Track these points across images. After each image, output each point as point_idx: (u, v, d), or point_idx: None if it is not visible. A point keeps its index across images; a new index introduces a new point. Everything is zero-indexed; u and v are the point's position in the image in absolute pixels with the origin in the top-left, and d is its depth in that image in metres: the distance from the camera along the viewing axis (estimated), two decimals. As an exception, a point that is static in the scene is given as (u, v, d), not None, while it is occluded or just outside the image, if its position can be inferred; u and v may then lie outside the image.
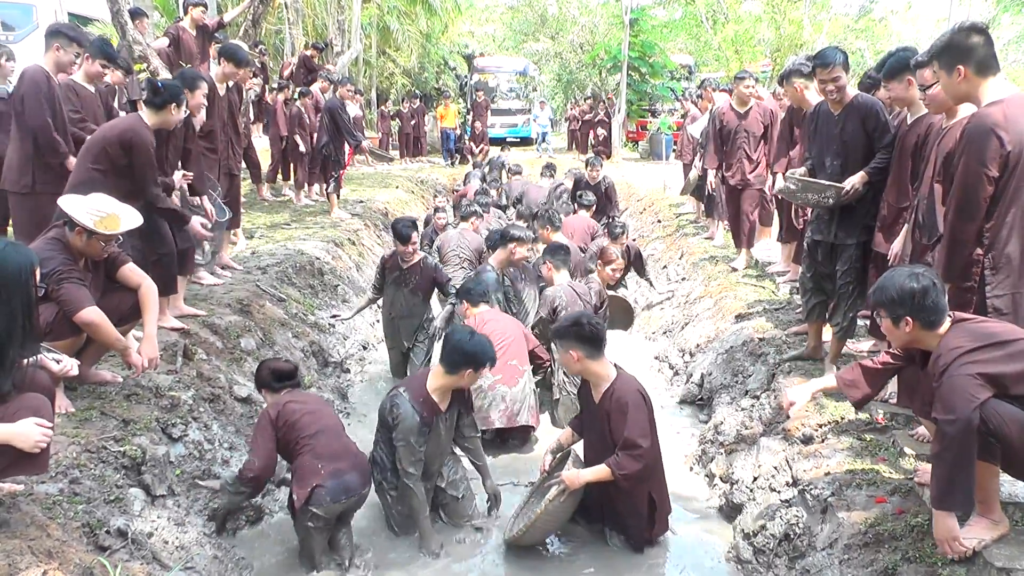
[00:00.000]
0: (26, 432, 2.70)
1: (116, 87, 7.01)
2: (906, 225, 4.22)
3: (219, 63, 6.67)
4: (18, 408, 2.79)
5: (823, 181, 4.73)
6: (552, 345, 5.44)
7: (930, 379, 2.88)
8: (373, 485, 4.10)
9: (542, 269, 6.28)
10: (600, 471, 3.89)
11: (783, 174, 5.67)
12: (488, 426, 5.12)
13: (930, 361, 2.90)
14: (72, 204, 3.71)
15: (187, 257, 5.32)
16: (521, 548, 4.13)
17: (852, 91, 4.73)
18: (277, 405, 3.97)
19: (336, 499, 3.76)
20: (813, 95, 5.55)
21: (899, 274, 2.99)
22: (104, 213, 3.75)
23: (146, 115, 4.71)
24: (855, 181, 4.55)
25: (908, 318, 2.92)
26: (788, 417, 3.64)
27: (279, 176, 11.99)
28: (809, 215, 5.43)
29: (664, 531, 4.18)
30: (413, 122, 20.35)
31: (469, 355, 4.00)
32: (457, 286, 6.32)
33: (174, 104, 4.72)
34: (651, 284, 8.91)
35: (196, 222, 5.20)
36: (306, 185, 11.33)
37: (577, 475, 3.93)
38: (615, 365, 4.13)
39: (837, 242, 4.76)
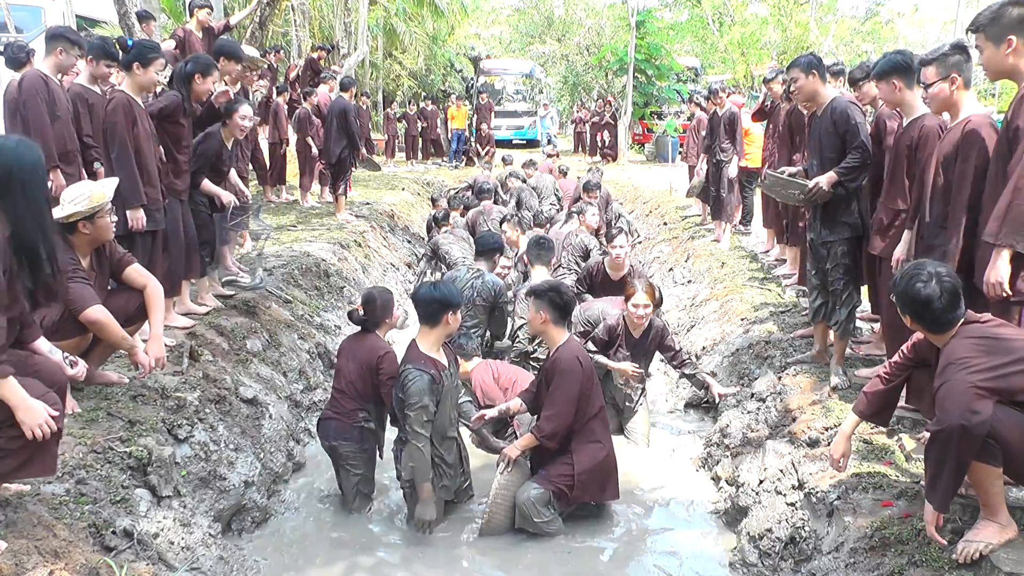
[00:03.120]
0: (36, 409, 2.61)
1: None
2: (906, 229, 4.20)
3: (219, 62, 6.67)
4: (37, 369, 2.78)
5: (791, 178, 4.92)
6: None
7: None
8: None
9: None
10: (528, 438, 4.33)
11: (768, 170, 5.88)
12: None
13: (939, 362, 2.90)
14: (57, 210, 3.66)
15: (192, 260, 5.36)
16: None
17: (833, 93, 4.81)
18: None
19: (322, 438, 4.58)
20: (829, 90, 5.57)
21: (913, 274, 2.98)
22: (86, 193, 3.76)
23: (125, 82, 4.83)
24: (821, 180, 4.63)
25: (910, 319, 3.01)
26: (842, 469, 3.64)
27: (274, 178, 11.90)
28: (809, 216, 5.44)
29: (604, 498, 4.44)
30: (426, 124, 20.36)
31: (441, 300, 4.22)
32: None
33: (137, 63, 4.74)
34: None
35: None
36: (322, 187, 11.32)
37: (513, 446, 4.39)
38: (574, 338, 4.54)
39: (821, 240, 4.82)
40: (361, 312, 4.58)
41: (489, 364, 5.50)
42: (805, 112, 5.75)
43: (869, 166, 4.62)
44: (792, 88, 4.85)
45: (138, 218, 4.64)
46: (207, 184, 5.57)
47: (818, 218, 4.84)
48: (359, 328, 4.62)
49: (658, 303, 5.52)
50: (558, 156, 16.13)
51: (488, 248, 6.40)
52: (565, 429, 4.24)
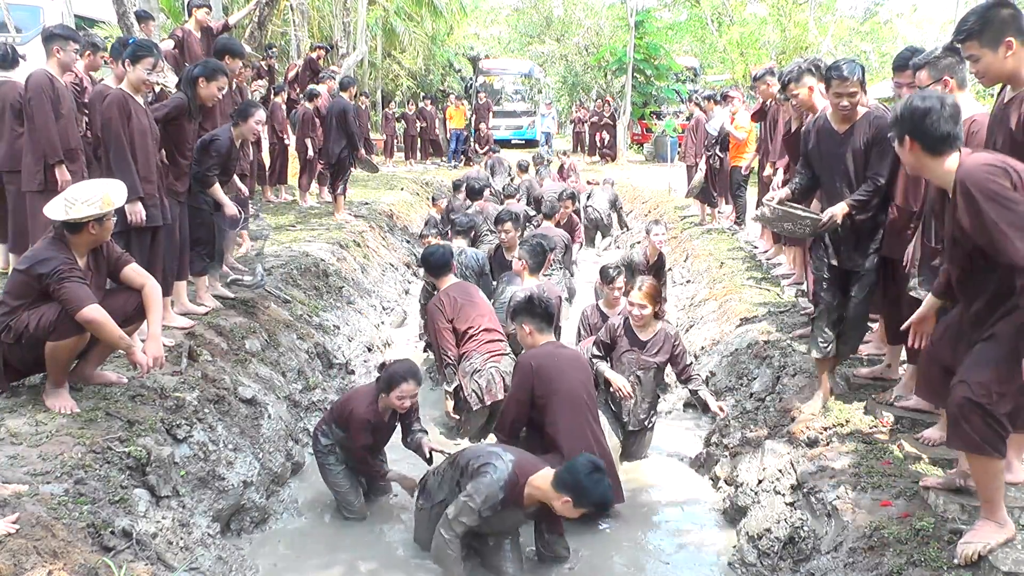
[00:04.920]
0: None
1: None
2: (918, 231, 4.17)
3: (222, 60, 6.66)
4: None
5: (799, 210, 4.39)
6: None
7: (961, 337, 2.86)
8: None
9: (516, 264, 6.38)
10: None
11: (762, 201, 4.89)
12: (492, 399, 5.33)
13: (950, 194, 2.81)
14: (66, 208, 3.68)
15: (184, 263, 5.37)
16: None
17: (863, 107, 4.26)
18: None
19: None
20: (820, 98, 5.50)
21: (917, 95, 2.89)
22: (99, 195, 3.76)
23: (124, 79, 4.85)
24: (835, 211, 4.19)
25: (907, 137, 2.85)
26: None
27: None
28: (774, 182, 5.39)
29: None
30: (425, 124, 20.36)
31: (592, 499, 3.51)
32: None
33: (128, 60, 4.75)
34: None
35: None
36: (320, 187, 11.31)
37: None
38: (552, 342, 4.64)
39: (853, 266, 4.35)
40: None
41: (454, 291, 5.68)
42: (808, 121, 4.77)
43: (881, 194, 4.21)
44: (847, 103, 4.14)
45: (136, 211, 4.63)
46: (216, 191, 5.56)
47: (849, 245, 4.32)
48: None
49: (658, 305, 5.22)
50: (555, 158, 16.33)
51: (464, 228, 7.49)
52: (510, 424, 4.48)
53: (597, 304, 6.10)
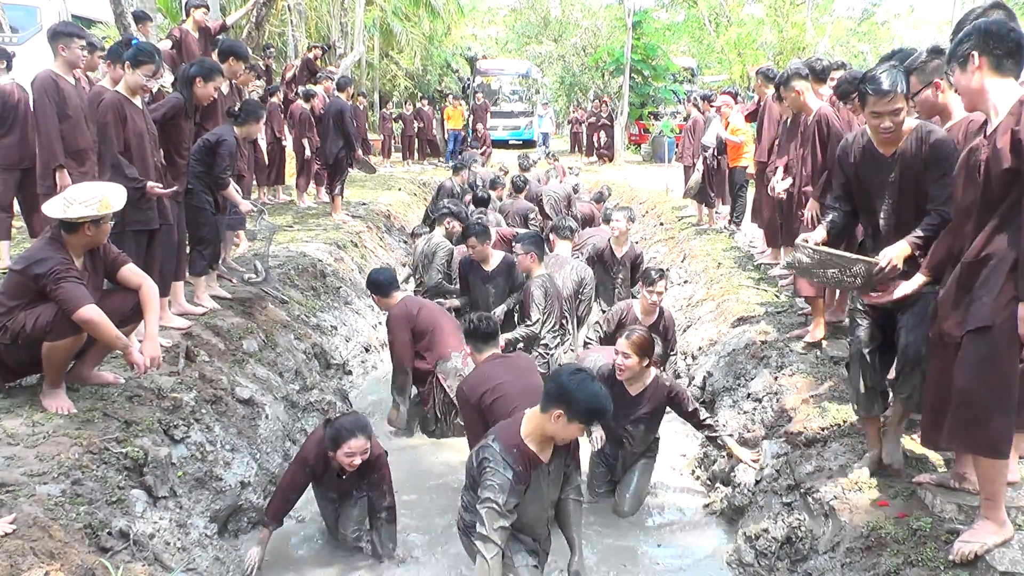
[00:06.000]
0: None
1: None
2: None
3: (226, 62, 6.66)
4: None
5: (848, 253, 3.49)
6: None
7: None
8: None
9: (524, 259, 6.28)
10: None
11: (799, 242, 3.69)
12: None
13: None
14: (64, 207, 3.69)
15: (181, 263, 5.37)
16: None
17: (909, 121, 3.47)
18: None
19: None
20: (813, 99, 5.51)
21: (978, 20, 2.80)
22: (98, 197, 3.76)
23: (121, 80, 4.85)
24: (894, 253, 3.30)
25: (974, 53, 2.72)
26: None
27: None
28: (807, 217, 5.32)
29: None
30: (422, 124, 20.35)
31: (581, 401, 3.10)
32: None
33: (128, 63, 4.74)
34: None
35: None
36: (318, 187, 11.31)
37: None
38: (493, 355, 4.39)
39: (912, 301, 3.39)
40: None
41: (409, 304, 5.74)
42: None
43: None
44: (889, 123, 3.35)
45: (153, 189, 4.69)
46: (231, 191, 5.61)
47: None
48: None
49: (649, 356, 4.49)
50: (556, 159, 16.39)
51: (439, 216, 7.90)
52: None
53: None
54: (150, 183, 4.63)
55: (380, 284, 5.79)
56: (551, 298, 6.12)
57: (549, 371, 5.82)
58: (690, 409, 4.62)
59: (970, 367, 2.75)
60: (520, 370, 4.33)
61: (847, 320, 3.63)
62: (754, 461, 4.48)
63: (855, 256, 3.42)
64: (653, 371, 4.63)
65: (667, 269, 8.00)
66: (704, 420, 4.67)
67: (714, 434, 4.68)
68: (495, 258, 6.74)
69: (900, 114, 3.33)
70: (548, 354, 6.08)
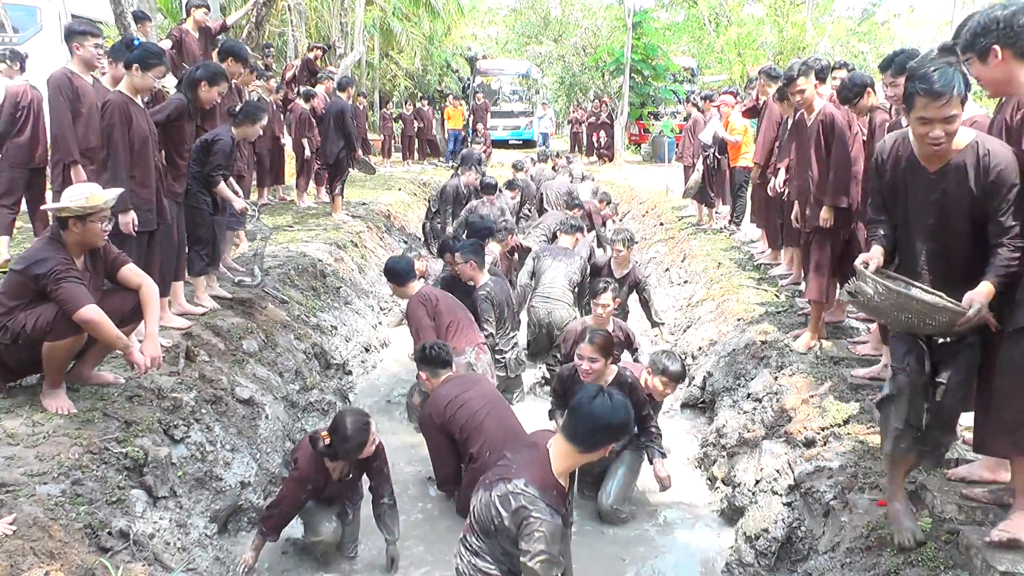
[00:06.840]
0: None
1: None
2: None
3: (225, 62, 6.66)
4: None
5: (929, 296, 2.88)
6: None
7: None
8: None
9: (465, 269, 6.32)
10: None
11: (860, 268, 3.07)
12: None
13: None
14: (53, 201, 3.72)
15: (181, 263, 5.37)
16: None
17: (965, 132, 2.91)
18: None
19: None
20: (818, 98, 5.48)
21: (992, 7, 2.75)
22: (85, 194, 3.77)
23: (123, 81, 4.79)
24: (979, 299, 2.77)
25: (996, 47, 2.71)
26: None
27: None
28: (809, 214, 5.28)
29: None
30: (422, 124, 20.35)
31: (614, 425, 2.95)
32: None
33: (137, 66, 4.68)
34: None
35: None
36: (318, 187, 11.31)
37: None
38: (450, 376, 4.61)
39: (947, 337, 3.00)
40: (326, 442, 3.87)
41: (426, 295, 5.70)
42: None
43: None
44: (940, 133, 2.79)
45: (126, 223, 4.52)
46: (223, 189, 5.59)
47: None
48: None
49: (612, 355, 4.56)
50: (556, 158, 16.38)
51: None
52: (450, 475, 4.54)
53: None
54: (123, 220, 4.48)
55: (398, 272, 5.83)
56: (499, 306, 6.23)
57: (507, 374, 6.16)
58: (644, 412, 4.55)
59: (1012, 368, 2.80)
60: (476, 381, 4.69)
61: (895, 354, 3.13)
62: (665, 480, 4.58)
63: (938, 302, 2.83)
64: (614, 368, 4.65)
65: (647, 276, 7.78)
66: (648, 427, 4.64)
67: (649, 443, 4.63)
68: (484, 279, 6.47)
69: (954, 122, 2.78)
70: (503, 359, 6.19)
